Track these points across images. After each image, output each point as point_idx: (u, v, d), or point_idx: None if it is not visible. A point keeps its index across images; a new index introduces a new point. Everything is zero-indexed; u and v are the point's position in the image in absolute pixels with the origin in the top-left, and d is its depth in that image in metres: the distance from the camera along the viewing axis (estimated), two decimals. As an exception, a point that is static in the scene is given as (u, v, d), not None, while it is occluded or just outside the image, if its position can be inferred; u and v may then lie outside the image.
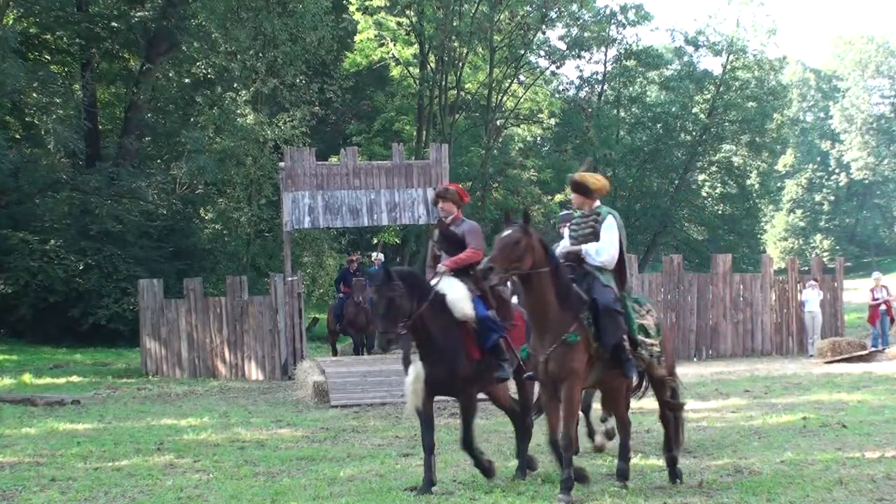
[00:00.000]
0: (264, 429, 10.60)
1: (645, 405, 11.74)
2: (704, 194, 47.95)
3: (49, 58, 27.61)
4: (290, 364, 16.77)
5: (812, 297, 19.29)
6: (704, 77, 43.54)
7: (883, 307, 19.85)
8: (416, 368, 6.82)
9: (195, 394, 15.03)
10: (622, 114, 44.35)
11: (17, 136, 26.43)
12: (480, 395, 7.21)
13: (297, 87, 25.42)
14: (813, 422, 9.66)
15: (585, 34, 40.03)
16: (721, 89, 42.25)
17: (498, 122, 36.24)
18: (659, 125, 44.34)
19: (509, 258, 6.11)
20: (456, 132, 33.68)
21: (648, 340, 6.62)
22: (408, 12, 31.55)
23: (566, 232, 7.11)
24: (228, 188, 25.20)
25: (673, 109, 43.51)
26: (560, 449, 6.35)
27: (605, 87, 43.92)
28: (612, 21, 40.49)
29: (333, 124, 34.44)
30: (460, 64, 33.11)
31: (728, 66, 42.38)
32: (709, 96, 42.95)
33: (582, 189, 6.85)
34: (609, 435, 8.52)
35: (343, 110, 33.42)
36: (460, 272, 7.07)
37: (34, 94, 24.19)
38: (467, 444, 6.91)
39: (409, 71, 34.02)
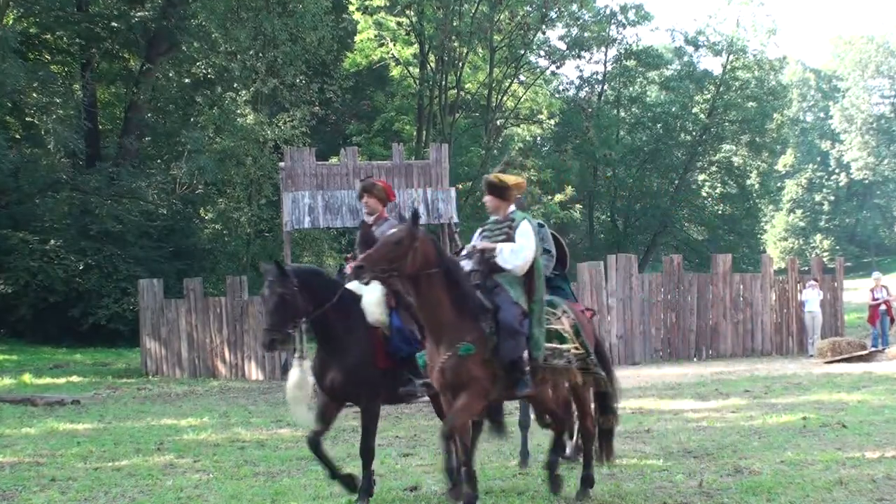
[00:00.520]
0: (264, 429, 10.60)
1: (645, 405, 11.78)
2: (704, 194, 47.99)
3: (49, 58, 27.64)
4: (290, 364, 16.74)
5: (812, 297, 19.29)
6: (704, 77, 43.57)
7: (883, 307, 19.83)
8: (298, 374, 6.39)
9: (195, 394, 15.03)
10: (622, 114, 44.38)
11: (17, 136, 26.45)
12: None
13: (297, 87, 25.43)
14: (813, 422, 9.65)
15: (585, 34, 40.07)
16: (721, 89, 42.29)
17: (498, 122, 36.25)
18: (659, 125, 44.37)
19: (386, 258, 5.64)
20: (456, 132, 33.70)
21: (563, 346, 6.19)
22: (408, 12, 31.57)
23: (476, 237, 6.58)
24: (228, 188, 25.22)
25: (673, 109, 43.54)
26: (443, 438, 5.99)
27: (605, 87, 43.95)
28: (612, 21, 40.54)
29: (333, 124, 34.45)
30: (460, 64, 33.13)
31: (728, 66, 42.40)
32: (709, 96, 42.98)
33: (497, 190, 6.32)
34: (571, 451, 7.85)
35: (343, 110, 33.44)
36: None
37: (34, 94, 24.21)
38: (365, 451, 6.40)
39: (409, 71, 34.03)
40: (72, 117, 24.58)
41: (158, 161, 28.88)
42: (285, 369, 6.83)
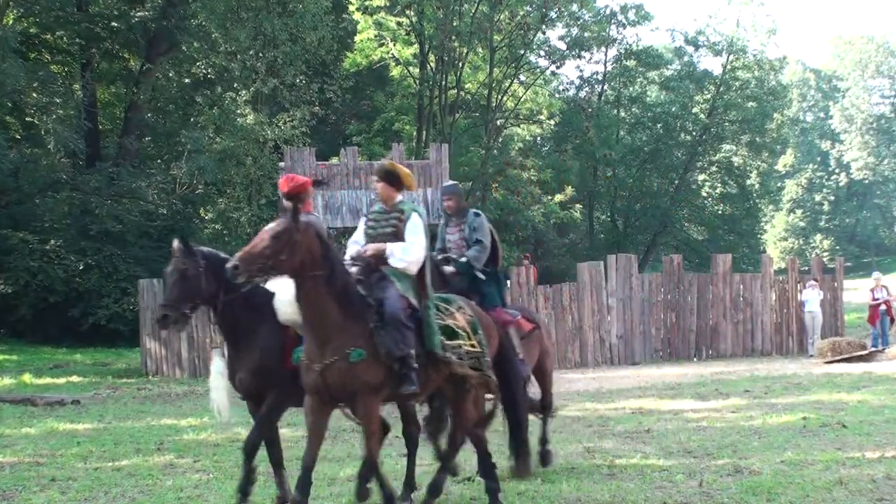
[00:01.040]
0: (264, 429, 10.57)
1: (645, 405, 11.78)
2: (704, 194, 47.98)
3: (49, 58, 27.65)
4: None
5: (812, 297, 19.30)
6: (704, 77, 43.57)
7: (883, 307, 19.85)
8: (218, 364, 6.22)
9: (195, 394, 15.02)
10: (622, 114, 44.38)
11: (17, 136, 26.45)
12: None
13: (297, 87, 25.42)
14: (813, 422, 9.65)
15: (585, 34, 40.05)
16: (721, 89, 42.29)
17: (498, 122, 36.24)
18: (659, 125, 44.37)
19: (263, 254, 5.22)
20: (456, 132, 33.69)
21: (454, 343, 5.88)
22: (408, 12, 31.57)
23: (360, 227, 6.34)
24: (228, 188, 25.21)
25: (673, 109, 43.53)
26: (366, 471, 5.67)
27: (605, 87, 43.95)
28: (612, 21, 40.53)
29: (333, 124, 34.45)
30: (460, 64, 33.12)
31: (728, 66, 42.41)
32: (709, 96, 42.98)
33: (392, 178, 6.10)
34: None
35: (343, 110, 33.44)
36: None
37: (34, 94, 24.21)
38: (248, 446, 6.12)
39: (409, 71, 34.03)
40: (72, 117, 24.58)
41: (158, 161, 28.88)
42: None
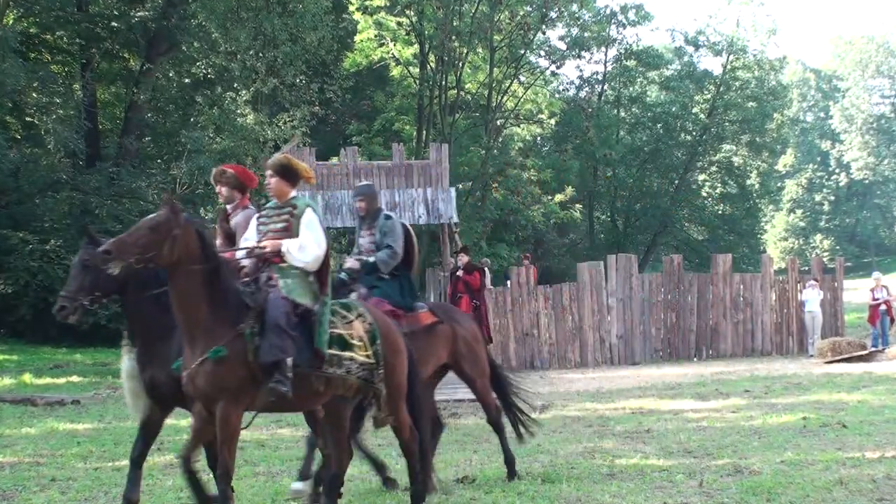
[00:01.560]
0: (264, 429, 10.58)
1: (645, 405, 11.78)
2: (704, 194, 47.99)
3: (49, 58, 27.63)
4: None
5: (812, 297, 19.30)
6: (704, 77, 43.58)
7: (883, 307, 19.84)
8: (129, 363, 6.02)
9: (195, 394, 14.99)
10: (622, 114, 44.38)
11: (17, 136, 26.45)
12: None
13: (297, 87, 25.43)
14: (813, 422, 9.65)
15: (585, 34, 40.06)
16: (721, 89, 42.30)
17: (498, 122, 36.24)
18: (659, 125, 44.38)
19: (138, 244, 5.05)
20: (456, 132, 33.69)
21: (345, 354, 5.57)
22: (408, 12, 31.57)
23: (253, 224, 6.04)
24: (229, 188, 25.19)
25: (673, 109, 43.54)
26: (223, 485, 5.34)
27: (605, 87, 43.95)
28: (612, 21, 40.54)
29: (333, 124, 34.45)
30: (460, 64, 33.12)
31: (728, 66, 42.42)
32: (709, 96, 43.00)
33: (287, 172, 5.80)
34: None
35: (343, 110, 33.44)
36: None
37: (34, 94, 24.21)
38: (185, 457, 5.76)
39: (409, 71, 34.04)
40: (72, 117, 24.57)
41: (158, 161, 28.87)
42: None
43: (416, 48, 33.69)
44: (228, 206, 6.70)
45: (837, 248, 62.57)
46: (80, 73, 26.35)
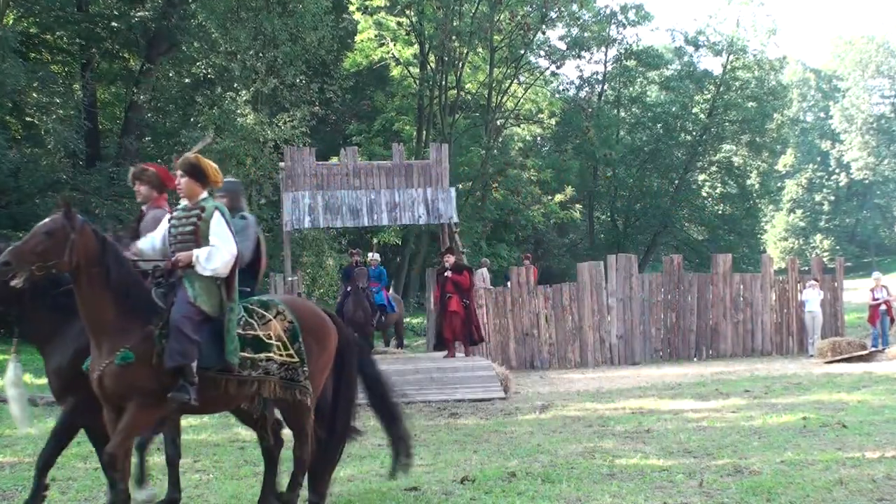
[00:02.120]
0: (264, 429, 10.58)
1: (645, 405, 11.78)
2: (704, 194, 48.01)
3: (49, 58, 27.66)
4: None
5: (812, 297, 19.29)
6: (704, 77, 43.60)
7: (883, 307, 19.83)
8: (13, 371, 5.92)
9: (195, 394, 14.98)
10: (622, 114, 44.41)
11: (17, 136, 26.46)
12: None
13: (297, 87, 25.42)
14: (813, 422, 9.64)
15: (585, 34, 40.09)
16: (721, 89, 42.32)
17: (498, 122, 36.25)
18: (659, 125, 44.39)
19: (35, 251, 5.03)
20: (456, 132, 33.70)
21: (259, 356, 5.51)
22: (408, 12, 31.58)
23: (163, 225, 5.84)
24: (228, 188, 25.18)
25: (673, 109, 43.56)
26: (105, 468, 5.31)
27: (605, 87, 43.97)
28: (612, 21, 40.56)
29: (333, 124, 34.46)
30: (460, 64, 33.13)
31: (728, 66, 42.44)
32: (709, 96, 43.01)
33: (197, 172, 5.70)
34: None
35: (343, 110, 33.45)
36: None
37: (34, 94, 24.22)
38: (42, 460, 5.73)
39: (409, 71, 34.04)
40: (72, 117, 24.59)
41: (159, 161, 28.85)
42: None
43: (416, 48, 33.70)
44: (144, 207, 6.61)
45: (837, 248, 62.58)
46: (80, 73, 26.37)
